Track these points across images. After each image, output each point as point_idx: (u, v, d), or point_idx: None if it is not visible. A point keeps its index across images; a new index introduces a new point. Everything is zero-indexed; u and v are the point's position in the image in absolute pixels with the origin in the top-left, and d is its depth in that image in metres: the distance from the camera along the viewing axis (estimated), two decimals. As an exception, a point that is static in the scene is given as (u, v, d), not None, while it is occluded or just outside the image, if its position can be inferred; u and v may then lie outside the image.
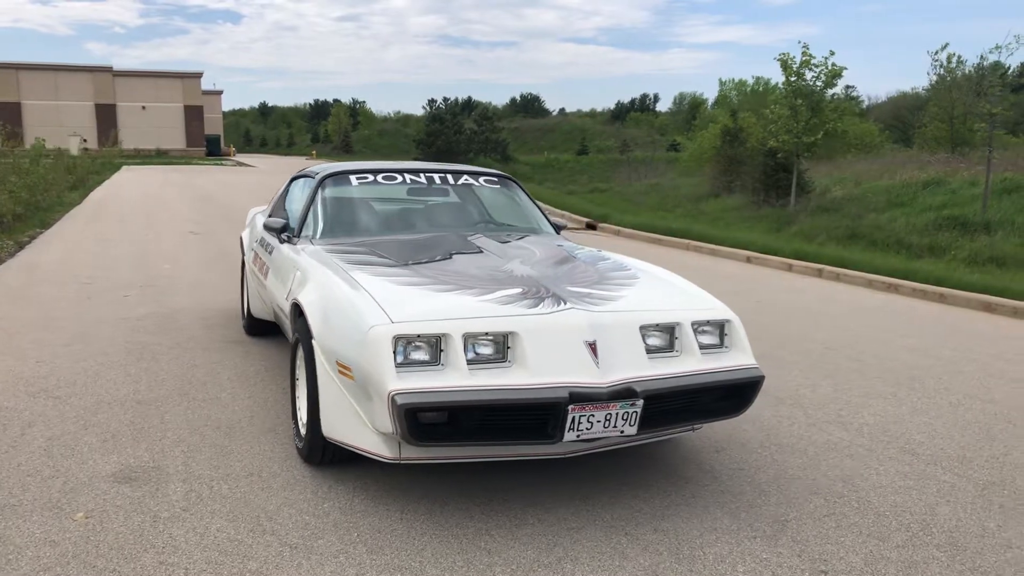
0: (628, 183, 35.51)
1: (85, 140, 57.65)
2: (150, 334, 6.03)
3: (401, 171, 5.04)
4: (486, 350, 3.14)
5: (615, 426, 3.11)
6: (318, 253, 4.13)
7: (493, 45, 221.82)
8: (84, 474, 3.51)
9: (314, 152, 67.28)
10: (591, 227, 16.66)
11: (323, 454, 3.55)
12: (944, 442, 4.24)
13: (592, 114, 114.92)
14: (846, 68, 18.12)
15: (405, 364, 3.04)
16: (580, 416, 3.04)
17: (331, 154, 71.75)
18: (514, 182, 5.34)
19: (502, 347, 3.14)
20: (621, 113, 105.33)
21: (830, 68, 17.82)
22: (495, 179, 5.25)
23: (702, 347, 3.44)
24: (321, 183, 4.85)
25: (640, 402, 3.10)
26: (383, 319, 3.11)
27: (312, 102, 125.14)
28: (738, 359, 3.47)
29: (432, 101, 55.85)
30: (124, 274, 8.80)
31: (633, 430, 3.15)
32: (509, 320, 3.17)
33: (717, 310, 3.57)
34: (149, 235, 12.57)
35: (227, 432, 4.06)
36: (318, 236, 4.52)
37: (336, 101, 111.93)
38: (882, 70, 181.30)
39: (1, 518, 3.09)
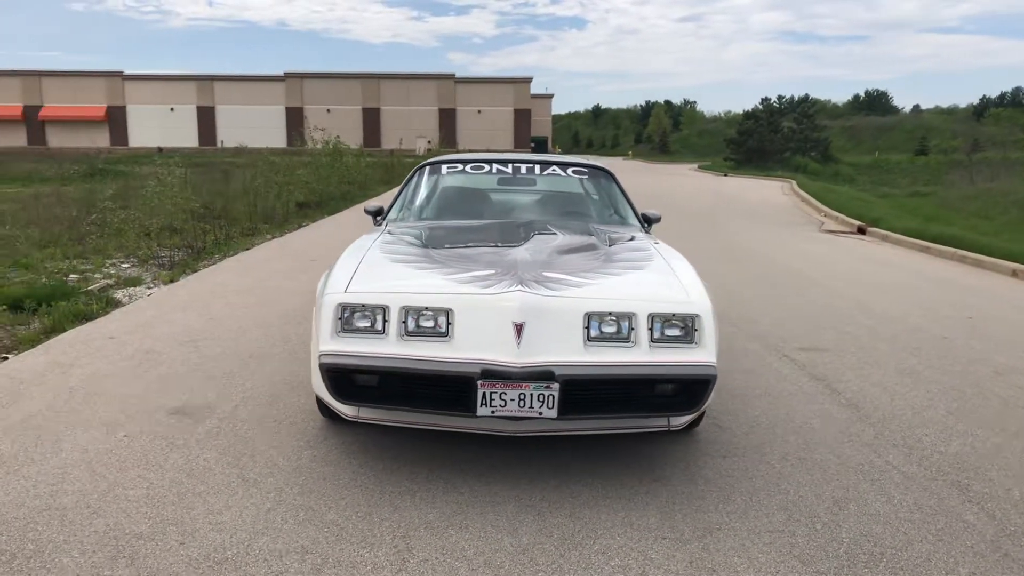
0: (957, 187, 31.82)
1: (430, 141, 64.22)
2: (316, 304, 6.90)
3: (490, 161, 5.31)
4: (428, 323, 3.34)
5: (531, 407, 3.16)
6: (377, 232, 4.57)
7: (841, 39, 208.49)
8: (155, 405, 4.29)
9: (631, 152, 68.63)
10: (861, 231, 15.42)
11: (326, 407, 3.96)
12: (1017, 483, 3.60)
13: (949, 111, 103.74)
14: None
15: (349, 330, 3.35)
16: (491, 392, 3.14)
17: (649, 154, 72.66)
18: (606, 174, 5.35)
19: (444, 322, 3.33)
20: (983, 109, 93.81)
21: None
22: (585, 171, 5.31)
23: (663, 339, 3.34)
24: (415, 172, 5.29)
25: (556, 385, 3.13)
26: (339, 288, 3.45)
27: (643, 103, 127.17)
28: (696, 356, 3.30)
29: (765, 100, 54.04)
30: (351, 255, 9.99)
31: (553, 413, 3.17)
32: (447, 297, 3.34)
33: (687, 304, 3.41)
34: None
35: (294, 387, 4.65)
36: (395, 219, 4.97)
37: (667, 102, 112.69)
38: None
39: (73, 428, 3.93)
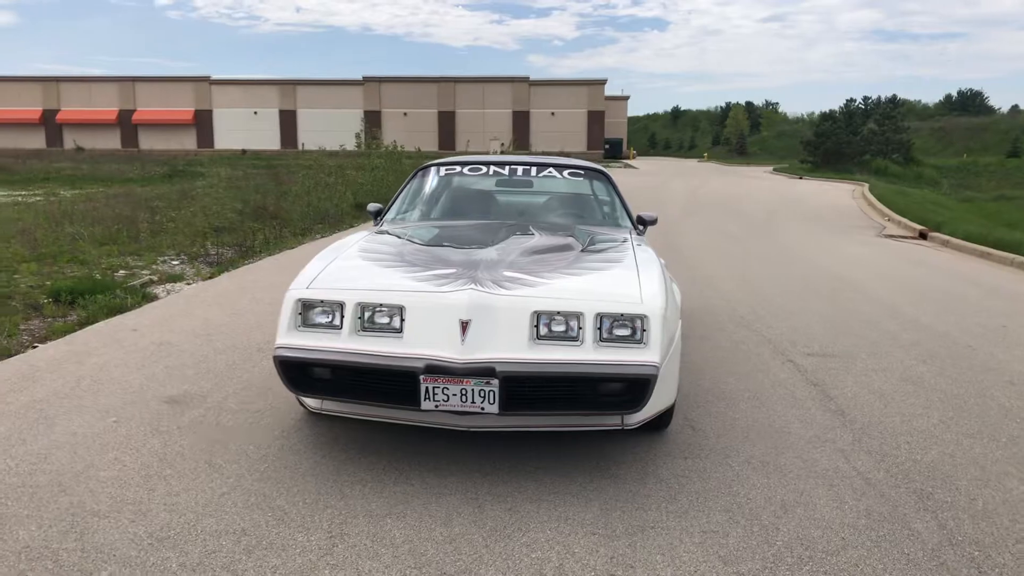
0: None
1: (503, 144, 64.63)
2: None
3: (488, 163, 5.40)
4: (383, 320, 3.46)
5: (473, 402, 3.25)
6: (368, 231, 4.72)
7: (935, 37, 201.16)
8: (153, 393, 4.53)
9: (706, 154, 67.55)
10: (923, 236, 14.94)
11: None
12: (985, 493, 3.50)
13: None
14: None
15: (308, 324, 3.51)
16: (434, 387, 3.24)
17: (725, 156, 71.50)
18: (603, 176, 5.38)
19: (398, 319, 3.44)
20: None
21: None
22: (580, 173, 5.35)
23: (611, 339, 3.38)
24: (415, 173, 5.42)
25: (496, 381, 3.20)
26: (302, 284, 3.61)
27: (723, 105, 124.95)
28: (640, 356, 3.33)
29: (850, 101, 52.66)
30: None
31: (494, 408, 3.24)
32: (400, 295, 3.46)
33: (636, 305, 3.43)
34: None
35: (288, 380, 4.83)
36: (391, 218, 5.11)
37: (748, 103, 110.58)
38: None
39: (69, 413, 4.19)
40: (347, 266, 3.88)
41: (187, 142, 68.97)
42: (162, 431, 3.99)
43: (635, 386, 3.31)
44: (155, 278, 8.38)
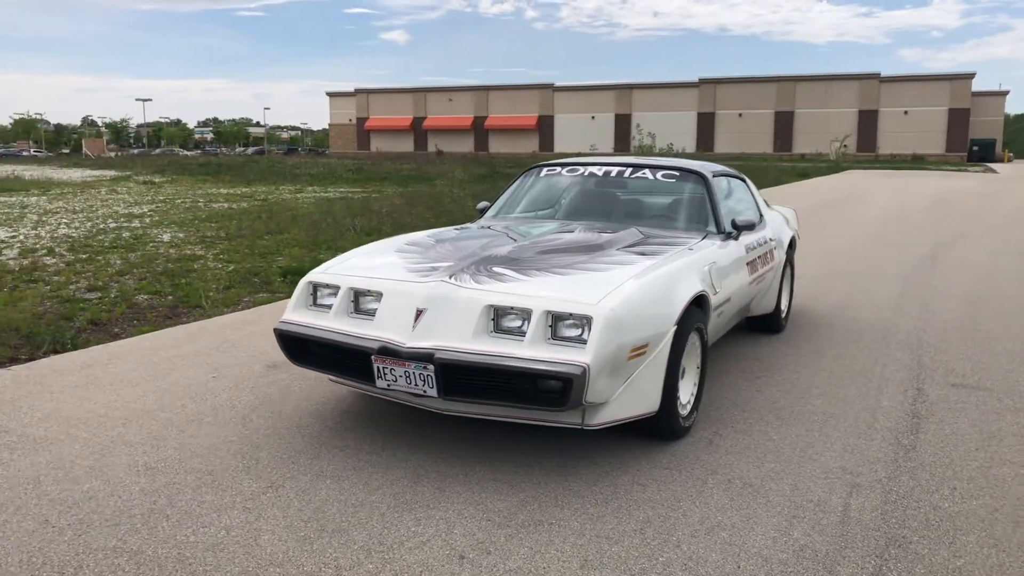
0: None
1: (845, 145, 60.56)
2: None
3: (586, 165, 5.49)
4: (370, 304, 3.83)
5: (416, 384, 3.49)
6: (441, 229, 5.10)
7: None
8: (263, 359, 5.30)
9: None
10: None
11: None
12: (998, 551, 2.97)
13: None
14: None
15: (316, 304, 3.99)
16: (383, 367, 3.55)
17: None
18: (697, 178, 5.16)
19: (377, 303, 3.79)
20: None
21: None
22: (675, 175, 5.21)
23: (561, 338, 3.43)
24: (520, 174, 5.67)
25: (432, 367, 3.42)
26: (322, 268, 4.11)
27: None
28: (575, 356, 3.32)
29: None
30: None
31: (434, 392, 3.46)
32: (382, 282, 3.80)
33: (584, 305, 3.41)
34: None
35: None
36: (488, 216, 5.44)
37: None
38: None
39: (189, 368, 5.09)
40: (373, 255, 4.30)
41: (530, 145, 73.99)
42: (241, 388, 4.71)
43: (564, 385, 3.32)
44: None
